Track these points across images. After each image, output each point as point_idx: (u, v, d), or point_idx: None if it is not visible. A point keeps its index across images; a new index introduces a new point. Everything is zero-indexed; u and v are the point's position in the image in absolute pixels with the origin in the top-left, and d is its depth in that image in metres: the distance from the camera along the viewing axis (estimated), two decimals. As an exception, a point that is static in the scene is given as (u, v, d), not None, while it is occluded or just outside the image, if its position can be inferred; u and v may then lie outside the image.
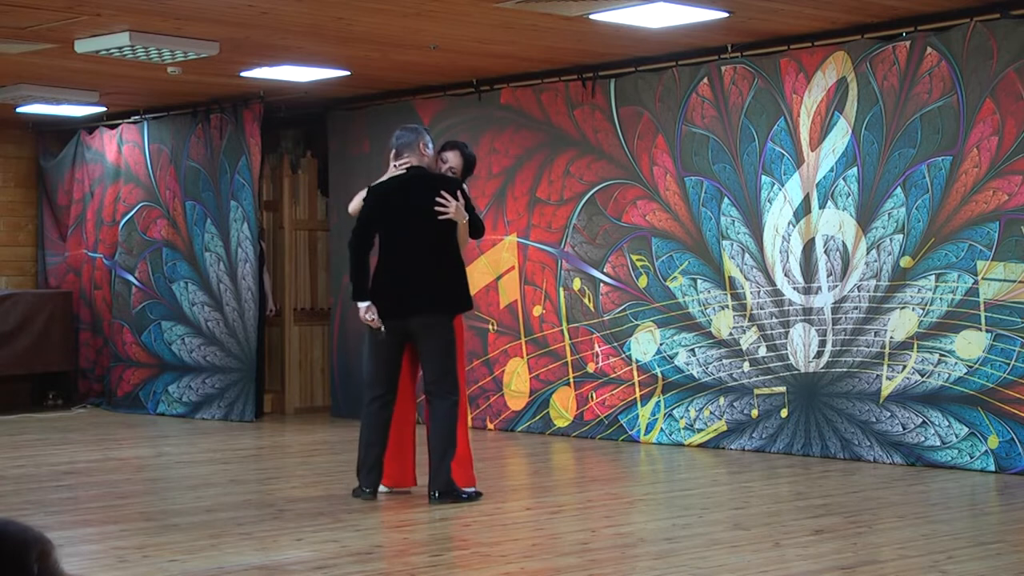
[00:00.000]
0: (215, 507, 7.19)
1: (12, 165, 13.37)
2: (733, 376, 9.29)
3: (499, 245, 10.51)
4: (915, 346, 8.42)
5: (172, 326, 12.09)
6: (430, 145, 7.37)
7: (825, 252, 8.82)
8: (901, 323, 8.47)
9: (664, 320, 9.63)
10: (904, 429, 8.46)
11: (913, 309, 8.42)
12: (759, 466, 8.57)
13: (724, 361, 9.33)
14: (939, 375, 8.31)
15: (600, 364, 9.99)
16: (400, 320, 7.18)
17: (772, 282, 9.08)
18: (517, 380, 10.49)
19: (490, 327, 10.58)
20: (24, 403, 12.75)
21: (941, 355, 8.30)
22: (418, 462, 7.54)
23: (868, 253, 8.61)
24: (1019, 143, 7.96)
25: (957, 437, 8.24)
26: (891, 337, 8.53)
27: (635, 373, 9.80)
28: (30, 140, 13.41)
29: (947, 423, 8.27)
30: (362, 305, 7.19)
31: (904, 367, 8.47)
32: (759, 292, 9.14)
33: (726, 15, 8.16)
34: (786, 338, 9.02)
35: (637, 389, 9.79)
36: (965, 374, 8.20)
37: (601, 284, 9.99)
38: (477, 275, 10.27)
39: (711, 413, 9.40)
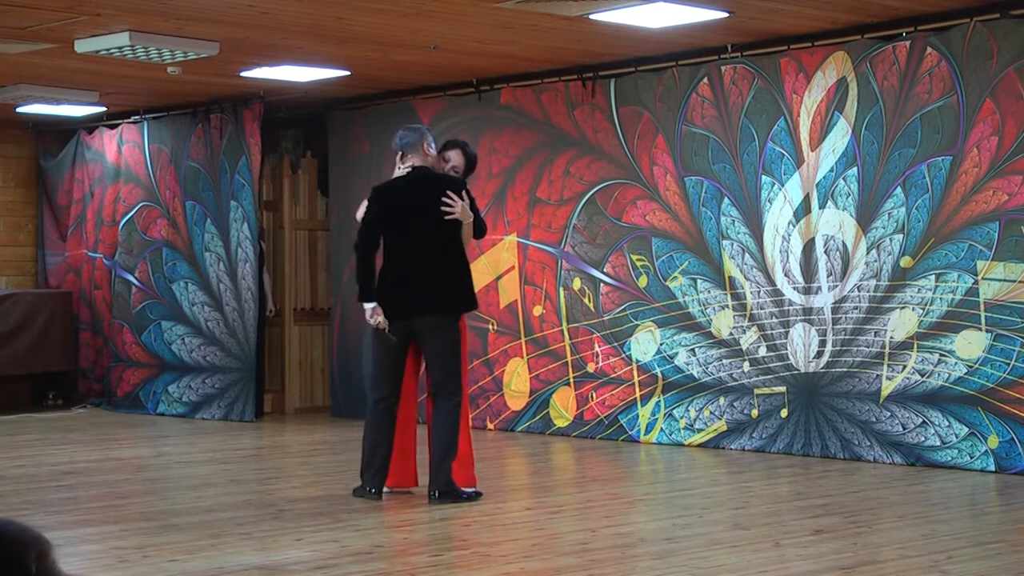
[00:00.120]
0: (215, 507, 7.19)
1: (12, 165, 13.37)
2: (733, 376, 9.29)
3: (499, 245, 10.51)
4: (915, 346, 8.42)
5: (172, 326, 12.09)
6: (433, 145, 7.37)
7: (825, 252, 8.82)
8: (901, 323, 8.47)
9: (664, 320, 9.63)
10: (904, 429, 8.46)
11: (913, 309, 8.42)
12: (759, 466, 8.57)
13: (724, 361, 9.33)
14: (939, 375, 8.31)
15: (600, 364, 9.99)
16: (406, 321, 7.18)
17: (772, 282, 9.08)
18: (517, 380, 10.49)
19: (490, 327, 10.58)
20: (24, 403, 12.75)
21: (941, 355, 8.30)
22: (419, 462, 7.54)
23: (868, 253, 8.61)
24: (1019, 143, 7.96)
25: (957, 437, 8.24)
26: (891, 337, 8.53)
27: (635, 373, 9.80)
28: (30, 140, 13.41)
29: (947, 423, 8.27)
30: (368, 306, 7.18)
31: (904, 367, 8.47)
32: (759, 292, 9.14)
33: (726, 15, 8.16)
34: (786, 338, 9.02)
35: (637, 389, 9.79)
36: (965, 374, 8.20)
37: (601, 284, 9.99)
38: (477, 275, 10.23)
39: (711, 413, 9.40)
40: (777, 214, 9.04)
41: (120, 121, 12.58)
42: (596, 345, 10.01)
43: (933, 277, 8.33)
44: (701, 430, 9.44)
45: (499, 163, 10.53)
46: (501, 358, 10.56)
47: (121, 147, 12.56)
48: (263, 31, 8.62)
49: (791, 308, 9.00)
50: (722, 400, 9.34)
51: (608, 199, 9.93)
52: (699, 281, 9.45)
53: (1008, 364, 8.02)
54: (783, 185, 8.99)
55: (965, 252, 8.19)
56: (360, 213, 7.44)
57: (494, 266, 10.55)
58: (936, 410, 8.32)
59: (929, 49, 8.31)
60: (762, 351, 9.14)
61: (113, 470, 8.80)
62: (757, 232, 9.15)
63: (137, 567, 5.70)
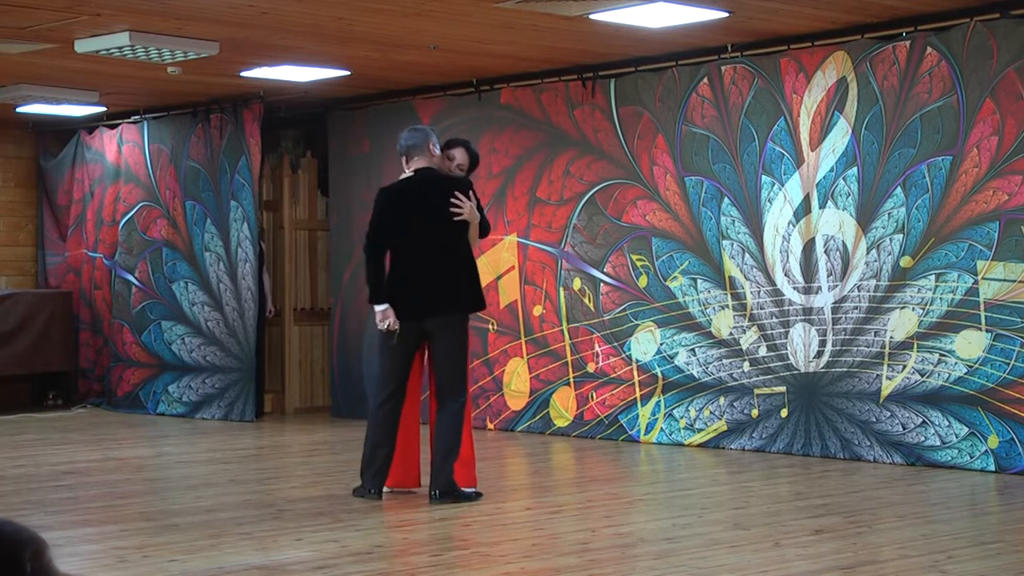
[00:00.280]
0: (215, 507, 7.19)
1: (12, 165, 13.37)
2: (733, 376, 9.29)
3: (499, 245, 10.51)
4: (915, 346, 8.42)
5: (172, 326, 12.09)
6: (438, 145, 7.37)
7: (825, 252, 8.82)
8: (901, 323, 8.48)
9: (664, 320, 9.63)
10: (904, 429, 8.46)
11: (913, 309, 8.42)
12: (759, 466, 8.57)
13: (724, 361, 9.33)
14: (939, 375, 8.31)
15: (600, 364, 9.99)
16: (417, 322, 7.18)
17: (772, 282, 9.08)
18: (517, 380, 10.48)
19: (490, 327, 10.58)
20: (24, 403, 12.75)
21: (941, 355, 8.30)
22: (421, 462, 7.54)
23: (868, 253, 8.61)
24: (1019, 143, 7.96)
25: (957, 437, 8.24)
26: (891, 337, 8.53)
27: (635, 373, 9.80)
28: (30, 140, 13.41)
29: (947, 423, 8.27)
30: (380, 308, 7.16)
31: (904, 367, 8.47)
32: (759, 292, 9.14)
33: (726, 15, 8.16)
34: (786, 338, 9.02)
35: (637, 389, 9.79)
36: (965, 374, 8.20)
37: (601, 284, 9.99)
38: (477, 275, 10.26)
39: (711, 413, 9.40)
40: (777, 214, 9.04)
41: (120, 121, 12.58)
42: (596, 345, 10.01)
43: (933, 277, 8.33)
44: (701, 430, 9.45)
45: (499, 163, 10.53)
46: (501, 358, 10.56)
47: (121, 147, 12.56)
48: (263, 31, 8.62)
49: (791, 308, 9.00)
50: (722, 400, 9.34)
51: (608, 199, 9.93)
52: (699, 281, 9.45)
53: (1008, 364, 8.02)
54: (783, 185, 8.99)
55: (965, 252, 8.19)
56: None
57: (494, 266, 10.55)
58: (936, 410, 8.32)
59: (929, 49, 8.31)
60: (762, 351, 9.14)
61: (113, 470, 8.80)
62: (757, 232, 9.15)
63: (137, 567, 5.70)
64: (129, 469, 8.92)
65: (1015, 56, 7.97)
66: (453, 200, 7.18)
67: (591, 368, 10.05)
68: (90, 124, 12.88)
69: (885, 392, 8.55)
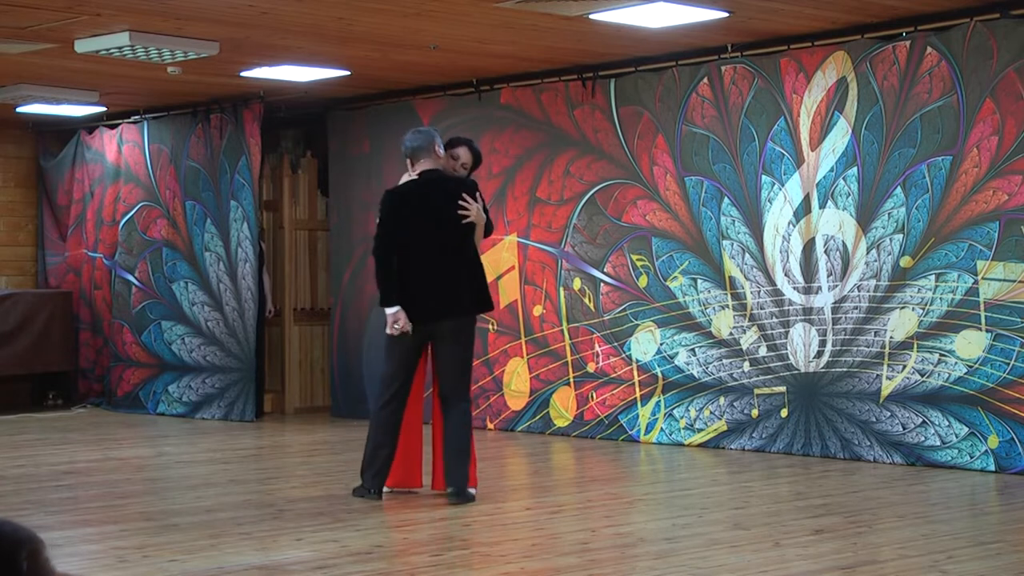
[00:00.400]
0: (215, 507, 7.19)
1: (12, 165, 13.37)
2: (733, 376, 9.29)
3: (499, 245, 10.51)
4: (915, 346, 8.42)
5: (172, 326, 12.10)
6: (442, 146, 7.36)
7: (825, 252, 8.82)
8: (901, 323, 8.48)
9: (664, 320, 9.63)
10: (904, 429, 8.46)
11: (913, 309, 8.42)
12: (759, 466, 8.57)
13: (724, 361, 9.33)
14: (939, 375, 8.31)
15: (600, 364, 9.99)
16: (427, 324, 7.16)
17: (772, 282, 9.08)
18: (517, 380, 10.48)
19: (490, 327, 10.58)
20: (24, 403, 12.75)
21: (941, 355, 8.30)
22: (423, 462, 7.54)
23: (868, 253, 8.61)
24: (1019, 143, 7.97)
25: (957, 437, 8.24)
26: (891, 337, 8.53)
27: (635, 373, 9.80)
28: (30, 140, 13.41)
29: (947, 423, 8.27)
30: (391, 311, 7.12)
31: (904, 367, 8.47)
32: (759, 292, 9.14)
33: (726, 15, 8.16)
34: (786, 338, 9.02)
35: (637, 389, 9.79)
36: (965, 374, 8.20)
37: (601, 284, 9.99)
38: (477, 275, 10.26)
39: (711, 413, 9.40)
40: (777, 214, 9.04)
41: (120, 121, 12.58)
42: (596, 345, 10.01)
43: (933, 277, 8.33)
44: (701, 430, 9.45)
45: (499, 163, 10.53)
46: (501, 358, 10.56)
47: (121, 147, 12.56)
48: (263, 31, 8.62)
49: (791, 308, 9.00)
50: (722, 400, 9.34)
51: (608, 199, 9.94)
52: (699, 281, 9.45)
53: (1008, 364, 8.02)
54: (783, 185, 8.99)
55: (965, 252, 8.19)
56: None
57: (494, 266, 10.55)
58: (936, 410, 8.32)
59: (929, 49, 8.31)
60: (762, 351, 9.14)
61: (113, 470, 8.80)
62: (757, 232, 9.15)
63: (137, 567, 5.70)
64: (129, 469, 8.92)
65: (1015, 56, 7.97)
66: (460, 202, 7.19)
67: (591, 368, 10.05)
68: (90, 124, 12.88)
69: (885, 392, 8.55)
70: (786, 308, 9.02)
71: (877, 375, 8.59)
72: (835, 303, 8.79)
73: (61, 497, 7.65)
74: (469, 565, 5.72)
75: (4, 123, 12.88)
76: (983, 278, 8.12)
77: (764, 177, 9.09)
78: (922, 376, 8.38)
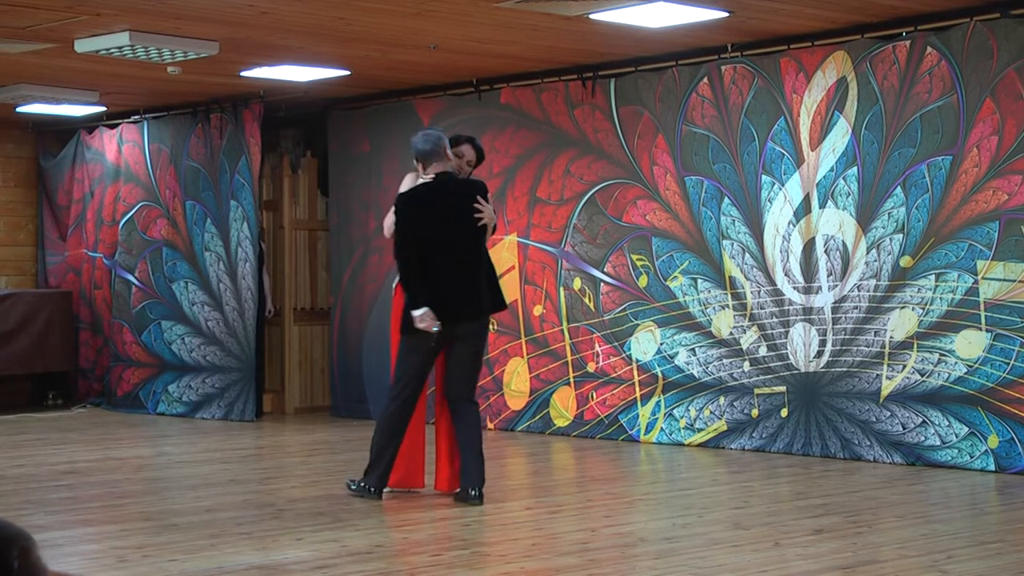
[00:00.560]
0: (215, 507, 7.19)
1: (12, 165, 13.37)
2: (733, 376, 9.29)
3: (499, 245, 10.50)
4: (915, 346, 8.42)
5: (172, 326, 12.09)
6: (450, 147, 7.36)
7: (825, 252, 8.82)
8: (901, 323, 8.48)
9: (664, 320, 9.63)
10: (904, 429, 8.46)
11: (913, 309, 8.42)
12: (759, 466, 8.57)
13: (724, 361, 9.33)
14: (939, 375, 8.31)
15: (600, 364, 9.99)
16: (449, 326, 7.15)
17: (772, 282, 9.08)
18: (517, 380, 10.48)
19: (490, 327, 10.57)
20: (24, 403, 12.75)
21: (941, 355, 8.30)
22: (425, 462, 7.54)
23: (868, 253, 8.61)
24: (1019, 143, 7.97)
25: (957, 437, 8.24)
26: (891, 337, 8.53)
27: (635, 373, 9.80)
28: (30, 140, 13.41)
29: (947, 423, 8.27)
30: (418, 312, 7.07)
31: (904, 367, 8.47)
32: (759, 292, 9.14)
33: (726, 15, 8.16)
34: (786, 338, 9.02)
35: (637, 389, 9.79)
36: (965, 374, 8.20)
37: (601, 284, 9.99)
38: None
39: (711, 413, 9.40)
40: (777, 214, 9.04)
41: (120, 121, 12.58)
42: (596, 345, 10.01)
43: (933, 277, 8.33)
44: (701, 430, 9.44)
45: (499, 163, 10.52)
46: (501, 358, 10.55)
47: (121, 147, 12.56)
48: (263, 31, 8.62)
49: (791, 308, 9.00)
50: (722, 400, 9.34)
51: (608, 199, 9.93)
52: (699, 281, 9.45)
53: (1008, 364, 8.02)
54: (783, 185, 8.99)
55: (965, 252, 8.19)
56: (389, 224, 7.36)
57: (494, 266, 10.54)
58: (936, 410, 8.32)
59: (929, 49, 8.31)
60: (762, 351, 9.14)
61: (113, 470, 8.80)
62: (757, 232, 9.15)
63: (137, 567, 5.70)
64: (129, 469, 8.92)
65: (1015, 56, 7.97)
66: (476, 205, 7.20)
67: (591, 368, 10.05)
68: (90, 124, 12.88)
69: (885, 392, 8.55)
70: (786, 308, 9.02)
71: (877, 375, 8.59)
72: (835, 303, 8.79)
73: (61, 497, 7.65)
74: (469, 565, 5.72)
75: (4, 123, 12.88)
76: (983, 278, 8.12)
77: (764, 177, 9.09)
78: (922, 376, 8.38)
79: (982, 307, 8.13)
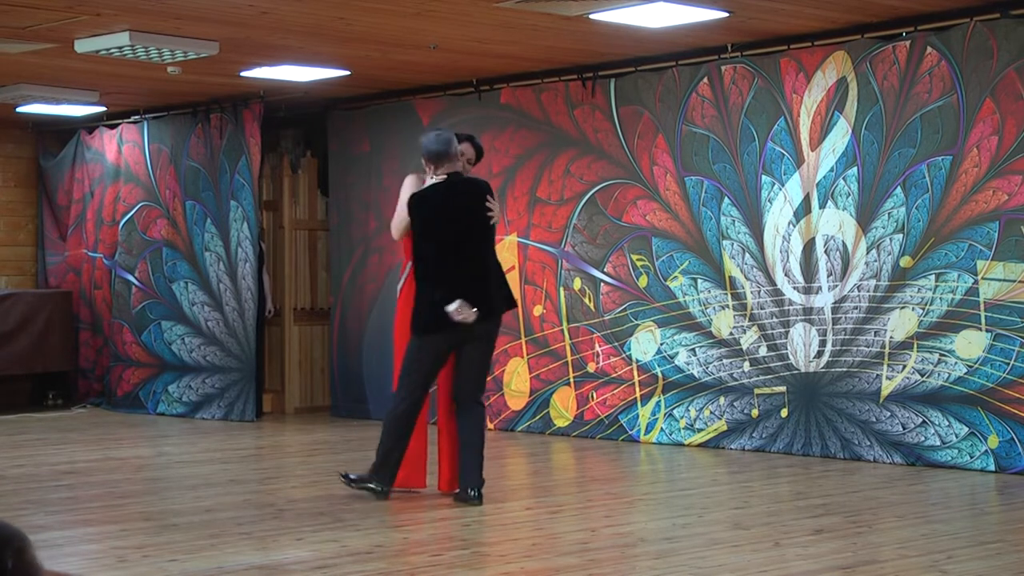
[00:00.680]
0: (215, 507, 7.19)
1: (12, 165, 13.37)
2: (733, 376, 9.29)
3: (499, 245, 10.46)
4: (915, 346, 8.42)
5: (172, 326, 12.09)
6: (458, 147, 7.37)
7: (825, 252, 8.82)
8: (901, 323, 8.48)
9: (664, 320, 9.63)
10: (904, 429, 8.46)
11: (913, 309, 8.42)
12: (759, 466, 8.57)
13: (724, 361, 9.33)
14: (939, 375, 8.31)
15: (600, 364, 9.99)
16: (473, 326, 7.14)
17: (772, 282, 9.08)
18: (517, 380, 10.48)
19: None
20: (24, 403, 12.75)
21: (941, 355, 8.30)
22: (428, 462, 7.54)
23: (868, 253, 8.61)
24: (1019, 143, 7.97)
25: (957, 437, 8.24)
26: (891, 337, 8.53)
27: (635, 373, 9.80)
28: (30, 140, 13.41)
29: (947, 423, 8.27)
30: (453, 306, 7.03)
31: (904, 367, 8.47)
32: (759, 292, 9.14)
33: (726, 15, 8.16)
34: (786, 338, 9.02)
35: (637, 389, 9.79)
36: (965, 374, 8.20)
37: (601, 284, 9.99)
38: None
39: (711, 413, 9.40)
40: (777, 214, 9.04)
41: (120, 121, 12.58)
42: (596, 345, 10.01)
43: (933, 277, 8.33)
44: (701, 430, 9.44)
45: (499, 163, 10.52)
46: (501, 358, 10.55)
47: (121, 147, 12.56)
48: (263, 31, 8.62)
49: (791, 308, 9.00)
50: (722, 400, 9.34)
51: (608, 199, 9.94)
52: (699, 281, 9.45)
53: (1008, 364, 8.02)
54: (783, 185, 8.99)
55: (965, 252, 8.19)
56: (399, 225, 7.33)
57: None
58: (936, 410, 8.32)
59: (929, 49, 8.31)
60: (762, 351, 9.14)
61: (113, 470, 8.80)
62: (757, 232, 9.15)
63: (137, 567, 5.70)
64: (129, 469, 8.92)
65: (1015, 56, 7.97)
66: (487, 204, 7.22)
67: (591, 368, 10.05)
68: (90, 124, 12.88)
69: (885, 392, 8.55)
70: (786, 308, 9.02)
71: (877, 375, 8.59)
72: (835, 303, 8.79)
73: (61, 497, 7.65)
74: (469, 565, 5.72)
75: (4, 123, 12.88)
76: (983, 278, 8.12)
77: (764, 177, 9.09)
78: (922, 376, 8.38)
79: (982, 307, 8.13)
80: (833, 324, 8.80)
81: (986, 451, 8.10)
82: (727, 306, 9.31)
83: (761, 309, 9.15)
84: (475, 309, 7.04)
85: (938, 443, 8.31)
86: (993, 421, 8.08)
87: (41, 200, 13.39)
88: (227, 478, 8.35)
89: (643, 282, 9.75)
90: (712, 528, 6.46)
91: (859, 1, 7.97)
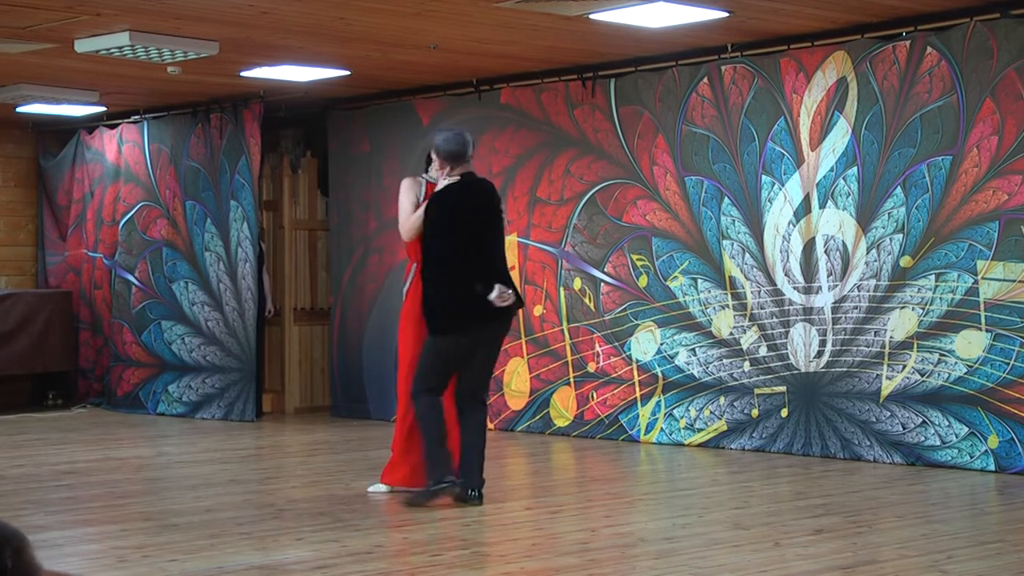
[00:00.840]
0: (215, 507, 7.19)
1: (12, 165, 13.37)
2: (733, 376, 9.29)
3: (499, 245, 10.50)
4: (915, 346, 8.42)
5: (172, 326, 12.09)
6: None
7: (825, 252, 8.82)
8: (901, 323, 8.48)
9: (664, 320, 9.63)
10: (904, 429, 8.46)
11: (913, 309, 8.42)
12: (759, 466, 8.57)
13: (724, 361, 9.33)
14: (939, 375, 8.31)
15: (600, 364, 9.99)
16: (486, 323, 7.15)
17: (772, 282, 9.08)
18: (517, 380, 10.48)
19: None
20: (24, 403, 12.75)
21: (941, 355, 8.30)
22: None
23: (868, 253, 8.61)
24: (1019, 143, 7.97)
25: (957, 437, 8.24)
26: (891, 337, 8.53)
27: (635, 373, 9.80)
28: (30, 140, 13.41)
29: (947, 423, 8.27)
30: (494, 294, 7.05)
31: (904, 367, 8.47)
32: (759, 292, 9.14)
33: (726, 15, 8.16)
34: (786, 338, 9.02)
35: (637, 389, 9.79)
36: (965, 374, 8.20)
37: (602, 284, 9.99)
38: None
39: (711, 413, 9.40)
40: (777, 214, 9.04)
41: (120, 121, 12.58)
42: (596, 345, 10.01)
43: (933, 277, 8.33)
44: (701, 430, 9.44)
45: (499, 163, 10.53)
46: (501, 358, 10.50)
47: (121, 147, 12.56)
48: (263, 31, 8.62)
49: (791, 308, 9.00)
50: (722, 400, 9.34)
51: (608, 199, 9.94)
52: (699, 281, 9.45)
53: (1008, 364, 8.02)
54: (783, 185, 8.99)
55: (965, 252, 8.19)
56: (413, 223, 7.30)
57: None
58: (936, 410, 8.32)
59: (929, 49, 8.31)
60: (762, 351, 9.14)
61: (113, 470, 8.80)
62: (757, 232, 9.15)
63: (137, 567, 5.70)
64: (129, 469, 8.92)
65: (1015, 56, 7.97)
66: (500, 205, 7.28)
67: (591, 368, 10.05)
68: (90, 124, 12.88)
69: (885, 392, 8.55)
70: (786, 308, 9.02)
71: (877, 375, 8.59)
72: (835, 303, 8.79)
73: (61, 497, 7.65)
74: (469, 565, 5.72)
75: (4, 123, 12.88)
76: (983, 278, 8.12)
77: (764, 177, 9.09)
78: (922, 376, 8.38)
79: (982, 307, 8.13)
80: (833, 324, 8.80)
81: (986, 451, 8.10)
82: (727, 306, 9.31)
83: (761, 309, 9.15)
84: (510, 291, 7.07)
85: (938, 443, 8.31)
86: (993, 421, 8.08)
87: (41, 200, 13.39)
88: (227, 478, 8.35)
89: (643, 282, 9.76)
90: (712, 528, 6.46)
91: (859, 1, 7.97)
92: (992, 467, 8.06)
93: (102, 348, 12.76)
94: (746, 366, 9.22)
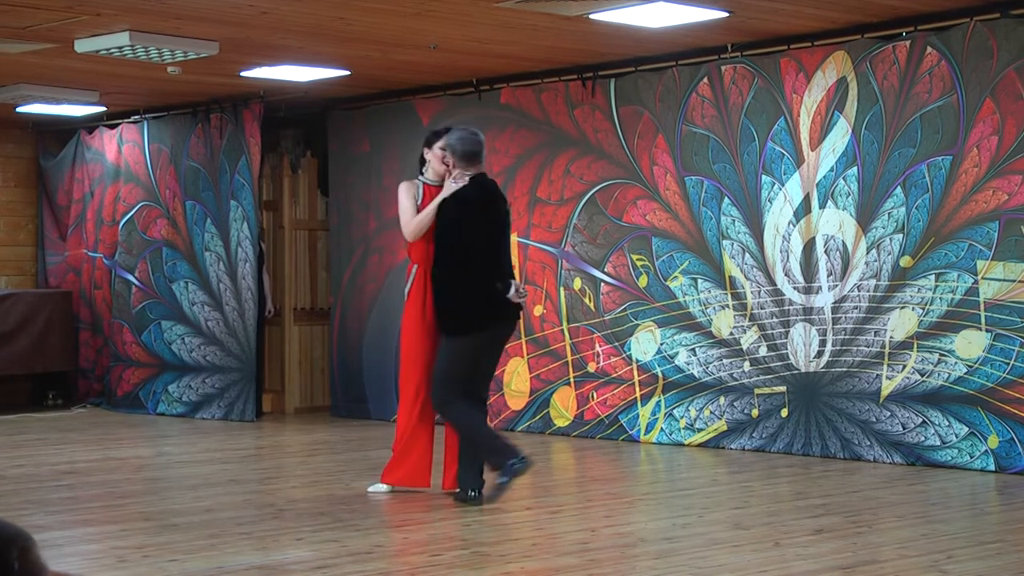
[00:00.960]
0: (215, 507, 7.19)
1: (12, 165, 13.38)
2: (733, 376, 9.29)
3: (499, 245, 10.50)
4: (915, 346, 8.42)
5: (172, 326, 12.09)
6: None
7: (825, 252, 8.82)
8: (901, 323, 8.48)
9: (664, 320, 9.63)
10: (904, 429, 8.46)
11: (913, 309, 8.42)
12: (759, 466, 8.57)
13: (724, 361, 9.33)
14: (939, 375, 8.31)
15: (601, 364, 9.99)
16: (503, 321, 7.15)
17: (772, 282, 9.08)
18: (517, 380, 10.48)
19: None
20: (24, 403, 12.75)
21: (941, 355, 8.30)
22: (432, 462, 7.54)
23: (868, 253, 8.61)
24: (1019, 143, 7.97)
25: (957, 437, 8.24)
26: (891, 337, 8.53)
27: (635, 373, 9.80)
28: (30, 140, 13.41)
29: (947, 423, 8.27)
30: (512, 291, 7.11)
31: (904, 367, 8.47)
32: (759, 292, 9.14)
33: (726, 15, 8.16)
34: (786, 338, 9.02)
35: (637, 389, 9.79)
36: (965, 374, 8.20)
37: (602, 284, 9.99)
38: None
39: (711, 413, 9.40)
40: (777, 214, 9.04)
41: (120, 121, 12.58)
42: (596, 345, 10.01)
43: (933, 277, 8.33)
44: (701, 430, 9.44)
45: (499, 163, 10.52)
46: (501, 358, 10.53)
47: (121, 147, 12.56)
48: (263, 31, 8.62)
49: (791, 308, 9.00)
50: (722, 400, 9.34)
51: (608, 199, 9.94)
52: (699, 281, 9.45)
53: (1008, 364, 8.02)
54: (783, 185, 8.99)
55: (965, 252, 8.19)
56: (416, 226, 7.29)
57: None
58: (936, 410, 8.32)
59: (929, 49, 8.31)
60: (762, 351, 9.14)
61: (113, 470, 8.80)
62: (757, 232, 9.15)
63: (137, 567, 5.70)
64: (129, 469, 8.92)
65: (1015, 56, 7.97)
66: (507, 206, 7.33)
67: (591, 368, 10.05)
68: (90, 124, 12.88)
69: (885, 392, 8.55)
70: (786, 308, 9.02)
71: (877, 375, 8.59)
72: (835, 303, 8.79)
73: (61, 497, 7.65)
74: (469, 565, 5.72)
75: (4, 123, 12.88)
76: (983, 278, 8.12)
77: (764, 177, 9.09)
78: (922, 376, 8.38)
79: (982, 307, 8.13)
80: (833, 324, 8.80)
81: (986, 451, 8.10)
82: (727, 306, 9.31)
83: (761, 309, 9.15)
84: (524, 288, 7.15)
85: (938, 443, 8.31)
86: (993, 421, 8.08)
87: (41, 200, 13.39)
88: (227, 478, 8.35)
89: (643, 282, 9.75)
90: (712, 528, 6.46)
91: (859, 1, 7.97)
92: (992, 467, 8.06)
93: (102, 348, 12.76)
94: (746, 366, 9.22)
